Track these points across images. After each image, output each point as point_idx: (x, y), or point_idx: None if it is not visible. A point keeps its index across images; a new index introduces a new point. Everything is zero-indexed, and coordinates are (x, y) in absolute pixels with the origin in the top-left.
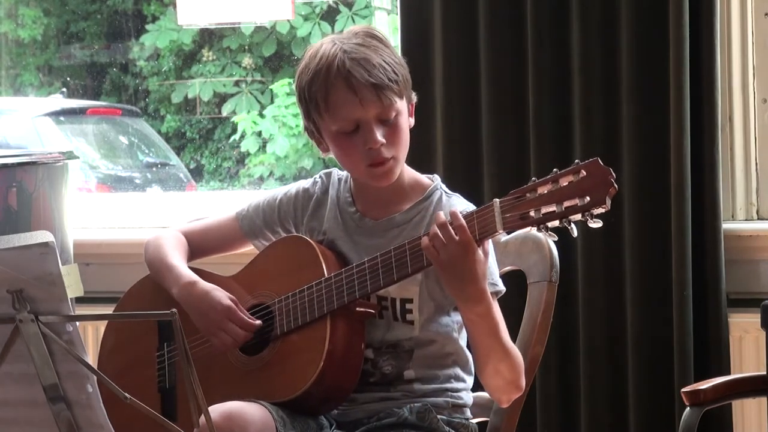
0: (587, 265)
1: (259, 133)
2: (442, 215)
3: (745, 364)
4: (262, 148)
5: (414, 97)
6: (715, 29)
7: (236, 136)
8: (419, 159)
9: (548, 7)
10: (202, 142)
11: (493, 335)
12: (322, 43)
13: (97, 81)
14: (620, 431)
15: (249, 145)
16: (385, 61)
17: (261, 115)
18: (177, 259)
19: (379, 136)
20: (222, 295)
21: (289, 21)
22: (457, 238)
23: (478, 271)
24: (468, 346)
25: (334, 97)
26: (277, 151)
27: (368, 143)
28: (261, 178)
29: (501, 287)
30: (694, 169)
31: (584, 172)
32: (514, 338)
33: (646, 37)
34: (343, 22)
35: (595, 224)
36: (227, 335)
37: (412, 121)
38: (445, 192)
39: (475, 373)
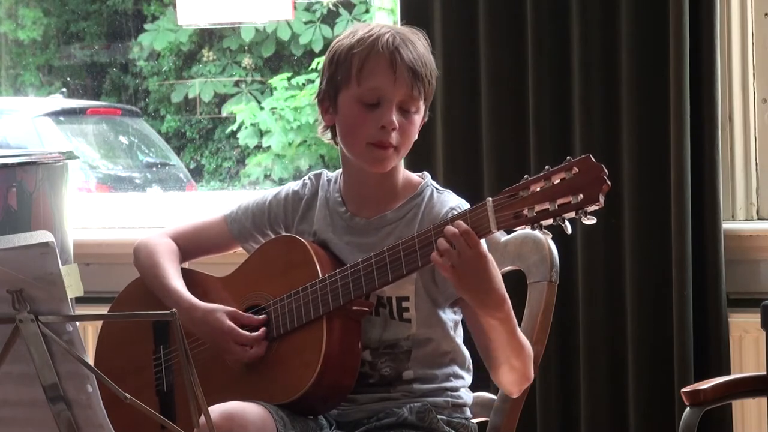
0: (587, 265)
1: (257, 126)
2: (452, 228)
3: (745, 364)
4: (260, 140)
5: (426, 116)
6: (715, 29)
7: (233, 127)
8: (419, 159)
9: (548, 7)
10: (202, 142)
11: (511, 335)
12: (371, 23)
13: (97, 81)
14: (620, 431)
15: (248, 138)
16: (426, 59)
17: (260, 108)
18: (174, 278)
19: (395, 119)
20: (220, 317)
21: (289, 25)
22: (470, 248)
23: (493, 275)
24: (461, 340)
25: (372, 65)
26: (273, 145)
27: (383, 121)
28: (258, 180)
29: None
30: (694, 169)
31: (576, 169)
32: None
33: (646, 37)
34: (343, 26)
35: (589, 221)
36: (236, 357)
37: (416, 134)
38: (436, 188)
39: (473, 370)
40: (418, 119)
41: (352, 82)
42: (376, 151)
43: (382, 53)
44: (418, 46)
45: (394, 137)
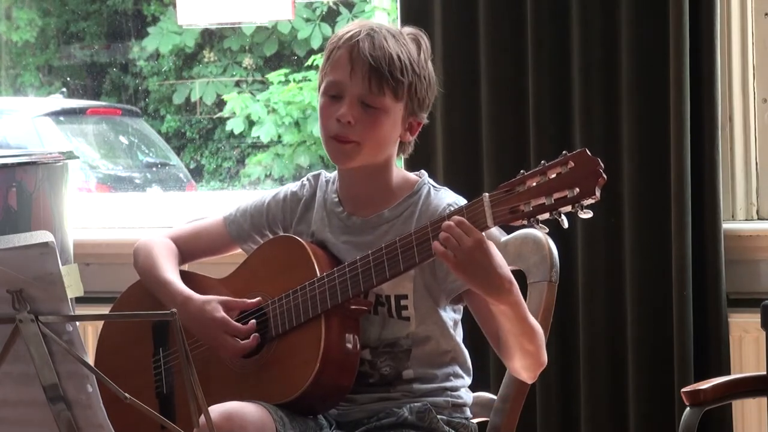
0: (587, 265)
1: (249, 117)
2: (451, 222)
3: (745, 364)
4: (248, 130)
5: (424, 119)
6: (715, 29)
7: (223, 113)
8: (419, 159)
9: (548, 7)
10: (202, 142)
11: (523, 319)
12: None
13: (97, 81)
14: (620, 431)
15: (235, 125)
16: (400, 58)
17: (255, 100)
18: (170, 272)
19: (351, 114)
20: (215, 308)
21: (290, 22)
22: (467, 236)
23: (496, 260)
24: (460, 339)
25: (334, 57)
26: (262, 136)
27: (336, 114)
28: (258, 179)
29: None
30: (694, 169)
31: (572, 163)
32: None
33: (646, 37)
34: (343, 25)
35: (586, 215)
36: (228, 348)
37: (410, 137)
38: (433, 186)
39: (472, 370)
40: (386, 120)
41: (323, 75)
42: (335, 145)
43: (343, 46)
44: (390, 42)
45: (353, 132)
